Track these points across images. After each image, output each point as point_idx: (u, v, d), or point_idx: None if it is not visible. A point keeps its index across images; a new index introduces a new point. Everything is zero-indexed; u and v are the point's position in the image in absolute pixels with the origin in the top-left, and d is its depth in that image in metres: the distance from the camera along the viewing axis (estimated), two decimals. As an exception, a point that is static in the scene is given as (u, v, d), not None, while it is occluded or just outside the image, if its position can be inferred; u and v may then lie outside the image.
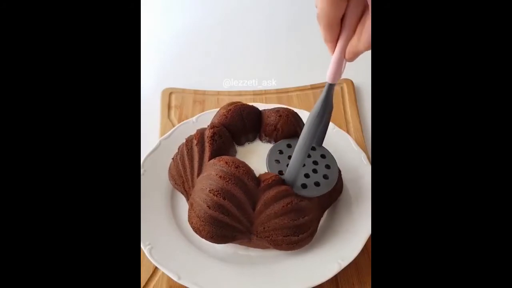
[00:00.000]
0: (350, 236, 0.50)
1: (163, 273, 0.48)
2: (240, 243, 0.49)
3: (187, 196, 0.52)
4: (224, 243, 0.47)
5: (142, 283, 0.49)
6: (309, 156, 0.51)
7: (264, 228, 0.46)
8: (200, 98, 0.73)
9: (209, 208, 0.45)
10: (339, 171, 0.52)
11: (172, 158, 0.54)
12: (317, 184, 0.48)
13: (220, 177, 0.46)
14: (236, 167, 0.46)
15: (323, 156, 0.52)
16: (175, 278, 0.46)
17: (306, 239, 0.47)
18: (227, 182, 0.45)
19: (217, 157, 0.48)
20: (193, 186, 0.50)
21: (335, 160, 0.51)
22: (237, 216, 0.46)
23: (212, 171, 0.47)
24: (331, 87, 0.42)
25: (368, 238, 0.49)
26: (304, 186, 0.48)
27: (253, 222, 0.46)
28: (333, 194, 0.53)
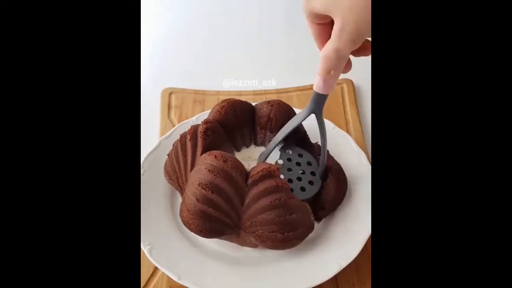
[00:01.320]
0: (350, 236, 0.49)
1: (163, 273, 0.48)
2: (230, 239, 0.50)
3: (181, 191, 0.52)
4: (213, 237, 0.48)
5: (142, 283, 0.49)
6: (299, 164, 0.53)
7: (251, 222, 0.46)
8: (200, 98, 0.73)
9: (198, 201, 0.46)
10: (345, 177, 0.53)
11: (168, 154, 0.54)
12: (303, 189, 0.50)
13: (209, 171, 0.46)
14: (225, 161, 0.46)
15: (309, 164, 0.53)
16: (175, 278, 0.46)
17: (293, 240, 0.46)
18: (215, 176, 0.46)
19: (208, 152, 0.48)
20: (186, 181, 0.51)
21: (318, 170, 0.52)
22: (225, 210, 0.46)
23: (202, 165, 0.47)
24: (316, 95, 0.43)
25: (368, 238, 0.49)
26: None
27: (241, 216, 0.47)
28: (338, 197, 0.53)
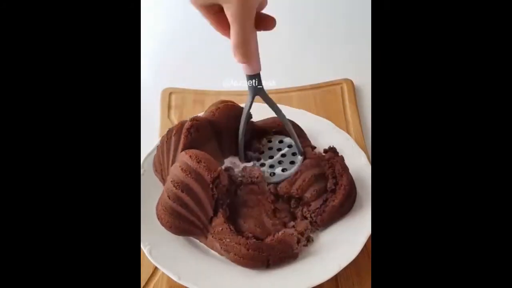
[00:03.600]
0: (350, 236, 0.49)
1: (163, 273, 0.48)
2: (200, 240, 0.50)
3: (164, 183, 0.53)
4: (182, 235, 0.49)
5: (142, 283, 0.49)
6: (279, 149, 0.57)
7: (222, 229, 0.46)
8: (200, 98, 0.73)
9: (169, 198, 0.47)
10: (355, 188, 0.52)
11: (157, 146, 0.55)
12: (284, 170, 0.54)
13: (182, 169, 0.47)
14: (198, 162, 0.47)
15: (290, 146, 0.57)
16: (175, 278, 0.46)
17: (254, 259, 0.45)
18: (187, 176, 0.46)
19: (186, 150, 0.49)
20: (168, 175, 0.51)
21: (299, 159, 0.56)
22: (194, 211, 0.47)
23: (177, 163, 0.48)
24: (248, 77, 0.47)
25: (368, 238, 0.49)
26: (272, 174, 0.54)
27: (212, 221, 0.47)
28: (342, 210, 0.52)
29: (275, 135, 0.59)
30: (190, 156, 0.47)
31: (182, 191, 0.46)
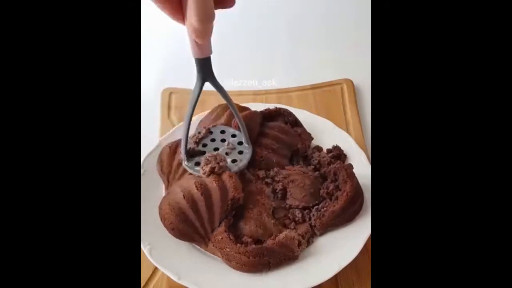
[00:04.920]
0: (350, 236, 0.49)
1: (163, 273, 0.48)
2: (200, 246, 0.50)
3: (167, 185, 0.53)
4: (182, 239, 0.48)
5: (142, 283, 0.49)
6: (223, 140, 0.54)
7: (222, 238, 0.46)
8: (200, 98, 0.73)
9: (184, 197, 0.46)
10: (362, 194, 0.52)
11: (169, 146, 0.55)
12: (234, 161, 0.51)
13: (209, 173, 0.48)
14: (230, 176, 0.48)
15: (233, 136, 0.54)
16: (175, 278, 0.46)
17: (256, 265, 0.46)
18: (213, 181, 0.47)
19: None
20: (178, 179, 0.51)
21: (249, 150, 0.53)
22: (202, 217, 0.47)
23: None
24: (197, 61, 0.44)
25: (368, 238, 0.49)
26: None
27: (214, 230, 0.47)
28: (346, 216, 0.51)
29: (215, 126, 0.56)
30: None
31: (201, 194, 0.46)
